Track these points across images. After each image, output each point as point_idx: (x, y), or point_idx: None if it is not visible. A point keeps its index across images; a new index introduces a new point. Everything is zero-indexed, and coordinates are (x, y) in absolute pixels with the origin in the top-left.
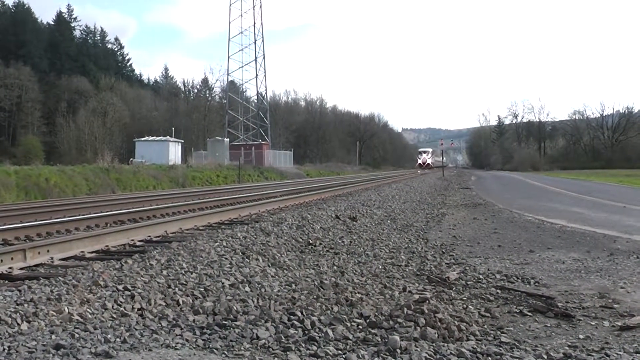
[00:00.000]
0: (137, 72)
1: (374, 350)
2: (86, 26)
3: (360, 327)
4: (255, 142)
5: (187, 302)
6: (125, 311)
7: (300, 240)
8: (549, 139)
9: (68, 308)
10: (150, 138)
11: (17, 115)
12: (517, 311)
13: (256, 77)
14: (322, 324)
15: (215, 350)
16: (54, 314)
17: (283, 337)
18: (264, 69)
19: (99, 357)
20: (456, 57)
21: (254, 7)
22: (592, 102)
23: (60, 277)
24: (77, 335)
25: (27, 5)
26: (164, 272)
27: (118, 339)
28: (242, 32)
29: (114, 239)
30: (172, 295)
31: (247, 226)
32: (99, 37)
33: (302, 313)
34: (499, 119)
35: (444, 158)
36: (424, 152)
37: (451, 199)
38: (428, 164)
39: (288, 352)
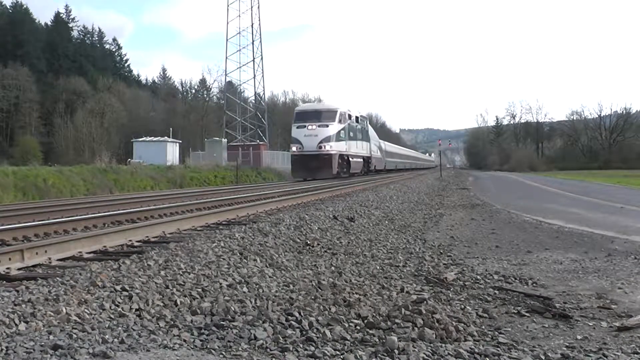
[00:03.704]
0: (134, 72)
1: (371, 350)
2: (84, 27)
3: (358, 327)
4: (253, 143)
5: (184, 303)
6: (123, 312)
7: (298, 240)
8: (547, 139)
9: (66, 308)
10: (148, 139)
11: (14, 115)
12: (515, 312)
13: (254, 77)
14: (320, 325)
15: (213, 351)
16: (52, 314)
17: (281, 338)
18: (262, 70)
19: (97, 358)
20: (454, 57)
21: (251, 7)
22: (590, 103)
23: (58, 278)
24: (74, 336)
25: (25, 6)
26: (162, 273)
27: (116, 340)
28: (239, 33)
29: (111, 239)
30: (170, 296)
31: (244, 227)
32: (96, 38)
33: (299, 314)
34: (497, 119)
35: (441, 157)
36: (307, 113)
37: (449, 199)
38: (329, 155)
39: (286, 353)
